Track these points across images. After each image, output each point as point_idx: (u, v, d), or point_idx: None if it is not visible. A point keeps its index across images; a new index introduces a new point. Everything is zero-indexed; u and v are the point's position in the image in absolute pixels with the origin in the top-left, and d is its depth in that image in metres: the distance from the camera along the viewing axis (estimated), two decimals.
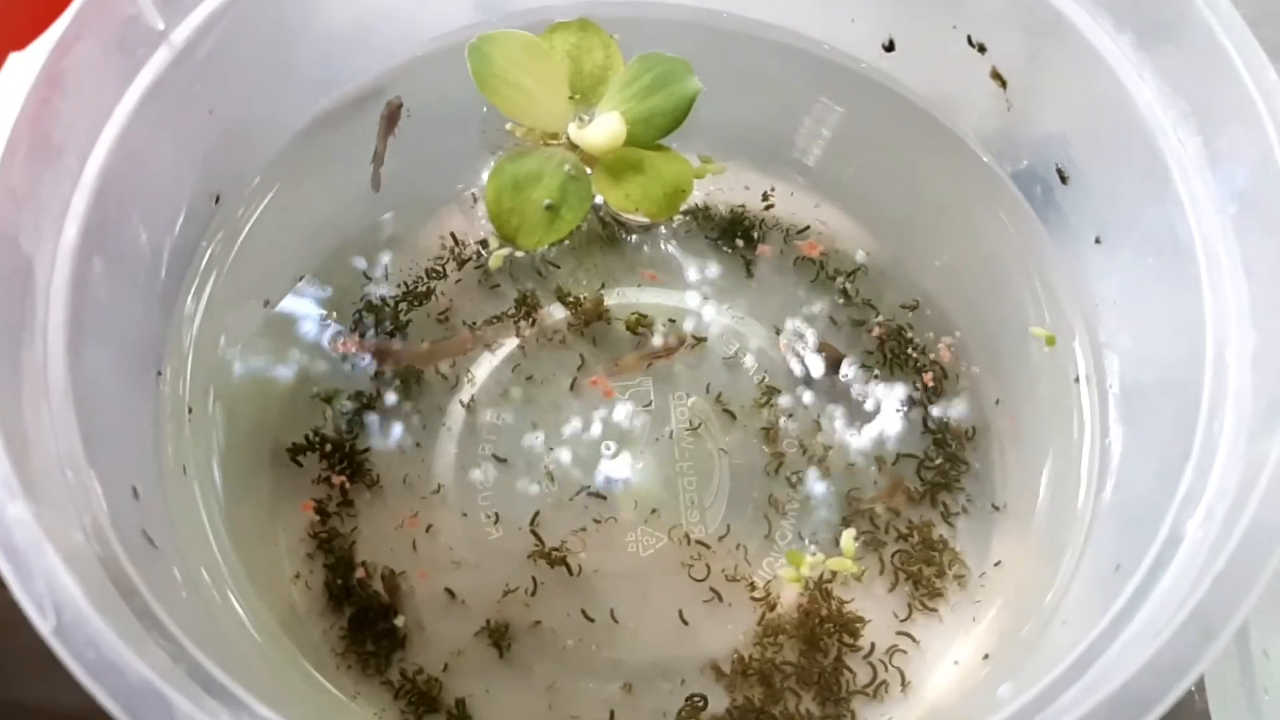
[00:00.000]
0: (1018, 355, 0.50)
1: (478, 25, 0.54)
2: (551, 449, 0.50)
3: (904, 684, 0.46)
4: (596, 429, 0.50)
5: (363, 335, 0.51)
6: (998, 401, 0.50)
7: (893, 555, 0.48)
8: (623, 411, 0.51)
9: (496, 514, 0.49)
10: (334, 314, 0.52)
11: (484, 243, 0.53)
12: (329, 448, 0.50)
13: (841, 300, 0.53)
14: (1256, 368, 0.36)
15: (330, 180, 0.54)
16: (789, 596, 0.47)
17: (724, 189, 0.55)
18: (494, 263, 0.53)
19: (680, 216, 0.54)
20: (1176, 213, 0.40)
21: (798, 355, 0.51)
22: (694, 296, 0.53)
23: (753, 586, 0.48)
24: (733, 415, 0.51)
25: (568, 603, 0.48)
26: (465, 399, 0.51)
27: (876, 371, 0.51)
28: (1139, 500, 0.39)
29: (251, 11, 0.46)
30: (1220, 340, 0.37)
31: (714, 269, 0.53)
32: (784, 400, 0.51)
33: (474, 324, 0.52)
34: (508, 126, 0.53)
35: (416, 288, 0.53)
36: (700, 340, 0.52)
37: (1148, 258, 0.43)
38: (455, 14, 0.54)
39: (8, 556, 0.31)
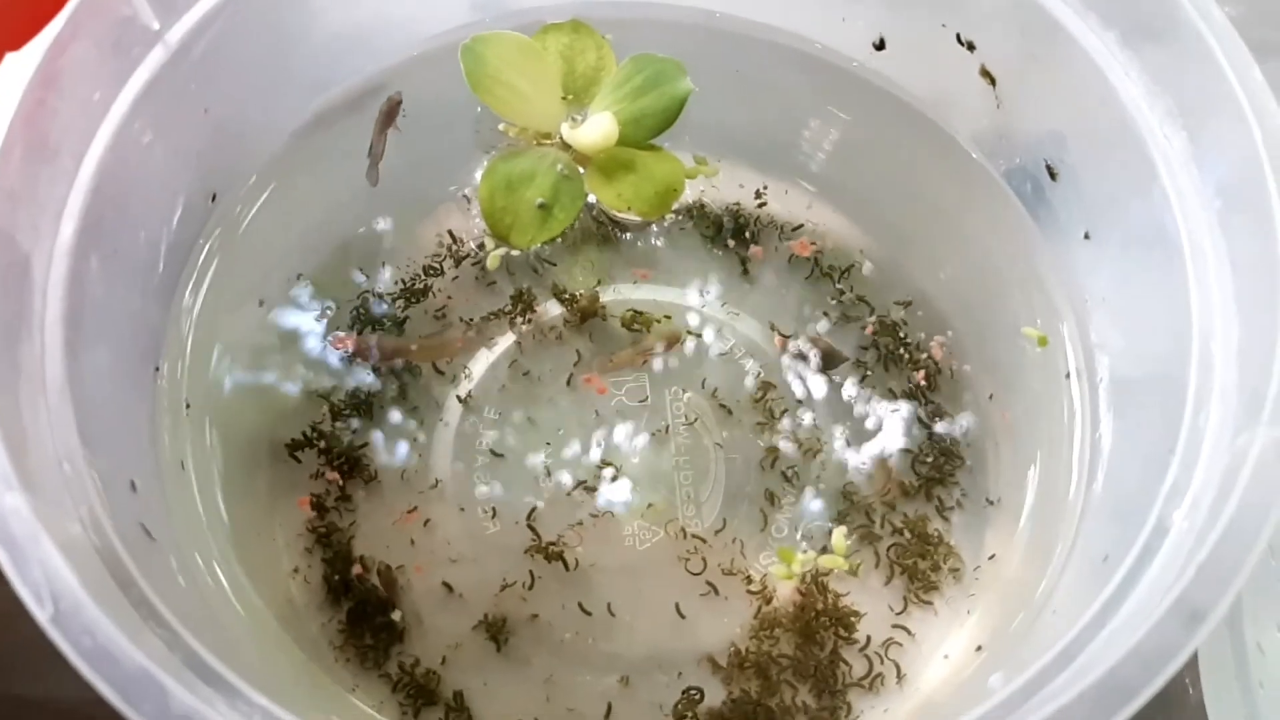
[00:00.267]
0: (1010, 351, 0.50)
1: (473, 25, 0.54)
2: (548, 444, 0.51)
3: (899, 676, 0.46)
4: (592, 424, 0.51)
5: (359, 333, 0.51)
6: (991, 397, 0.51)
7: (888, 549, 0.49)
8: (619, 407, 0.51)
9: (494, 509, 0.49)
10: (331, 312, 0.52)
11: (482, 244, 0.53)
12: (327, 443, 0.49)
13: (836, 298, 0.53)
14: (1241, 360, 0.36)
15: (327, 179, 0.54)
16: (785, 590, 0.47)
17: (719, 188, 0.55)
18: (492, 262, 0.53)
19: (674, 215, 0.54)
20: (1163, 208, 0.40)
21: (792, 352, 0.52)
22: (690, 294, 0.53)
23: (749, 580, 0.48)
24: (729, 411, 0.51)
25: (565, 596, 0.48)
26: (462, 394, 0.51)
27: (871, 368, 0.51)
28: (1128, 492, 0.39)
29: (247, 12, 0.46)
30: (1206, 333, 0.37)
31: (709, 267, 0.54)
32: (779, 396, 0.51)
33: (470, 320, 0.52)
34: (501, 127, 0.53)
35: (414, 285, 0.53)
36: (696, 336, 0.52)
37: (1136, 253, 0.43)
38: (451, 14, 0.54)
39: (5, 546, 0.31)
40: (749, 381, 0.52)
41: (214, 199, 0.51)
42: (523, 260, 0.53)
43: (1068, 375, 0.49)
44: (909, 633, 0.47)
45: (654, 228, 0.54)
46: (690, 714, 0.46)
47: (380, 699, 0.46)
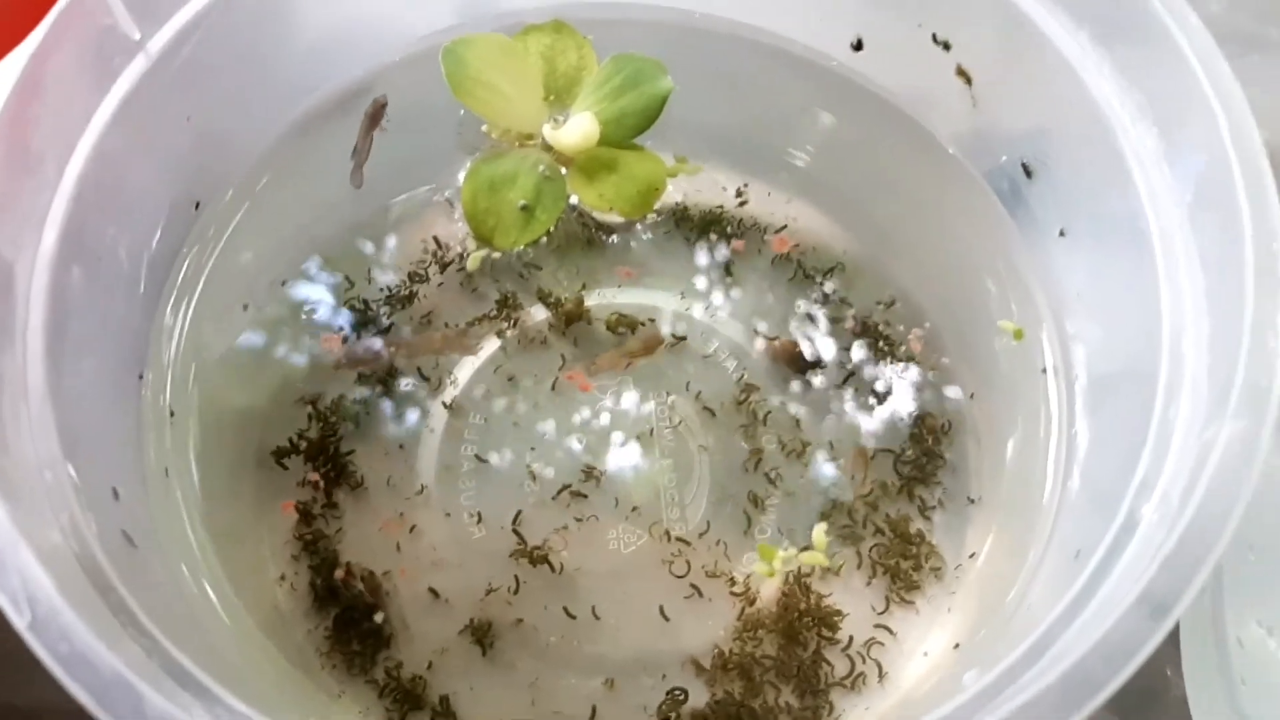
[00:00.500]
0: (991, 349, 0.51)
1: (458, 28, 0.54)
2: (533, 448, 0.51)
3: (881, 675, 0.47)
4: (577, 428, 0.51)
5: (345, 340, 0.52)
6: (972, 396, 0.51)
7: (870, 549, 0.49)
8: (603, 410, 0.51)
9: (479, 514, 0.50)
10: (317, 319, 0.52)
11: (465, 248, 0.54)
12: (313, 450, 0.50)
13: (819, 298, 0.53)
14: (1211, 355, 0.36)
15: (311, 185, 0.54)
16: (768, 591, 0.48)
17: (702, 189, 0.55)
18: (472, 264, 0.54)
19: (656, 216, 0.54)
20: (1135, 204, 0.40)
21: (775, 352, 0.52)
22: (673, 296, 0.54)
23: (733, 582, 0.48)
24: (712, 413, 0.51)
25: (550, 600, 0.48)
26: (448, 400, 0.52)
27: (853, 368, 0.51)
28: (1102, 488, 0.40)
29: (228, 20, 0.46)
30: (1176, 328, 0.38)
31: (693, 268, 0.54)
32: (763, 397, 0.52)
33: (456, 325, 0.52)
34: (484, 128, 0.53)
35: (399, 291, 0.53)
36: (680, 339, 0.52)
37: (1109, 249, 0.44)
38: (436, 17, 0.54)
39: None
40: (732, 383, 0.52)
41: (198, 206, 0.51)
42: (507, 265, 0.54)
43: (1044, 371, 0.49)
44: (891, 632, 0.48)
45: (638, 230, 0.54)
46: (674, 715, 0.46)
47: (367, 704, 0.46)
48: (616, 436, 0.51)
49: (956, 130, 0.52)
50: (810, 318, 0.53)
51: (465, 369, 0.52)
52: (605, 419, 0.51)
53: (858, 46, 0.53)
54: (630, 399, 0.51)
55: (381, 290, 0.53)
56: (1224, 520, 0.31)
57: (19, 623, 0.31)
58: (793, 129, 0.56)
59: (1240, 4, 0.62)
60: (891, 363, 0.52)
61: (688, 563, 0.49)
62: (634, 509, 0.50)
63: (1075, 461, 0.45)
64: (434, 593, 0.48)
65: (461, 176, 0.52)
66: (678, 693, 0.46)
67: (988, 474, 0.49)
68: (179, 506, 0.47)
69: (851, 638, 0.48)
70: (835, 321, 0.53)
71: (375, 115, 0.53)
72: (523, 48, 0.51)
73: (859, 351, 0.52)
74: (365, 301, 0.53)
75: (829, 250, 0.54)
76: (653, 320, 0.53)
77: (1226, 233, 0.36)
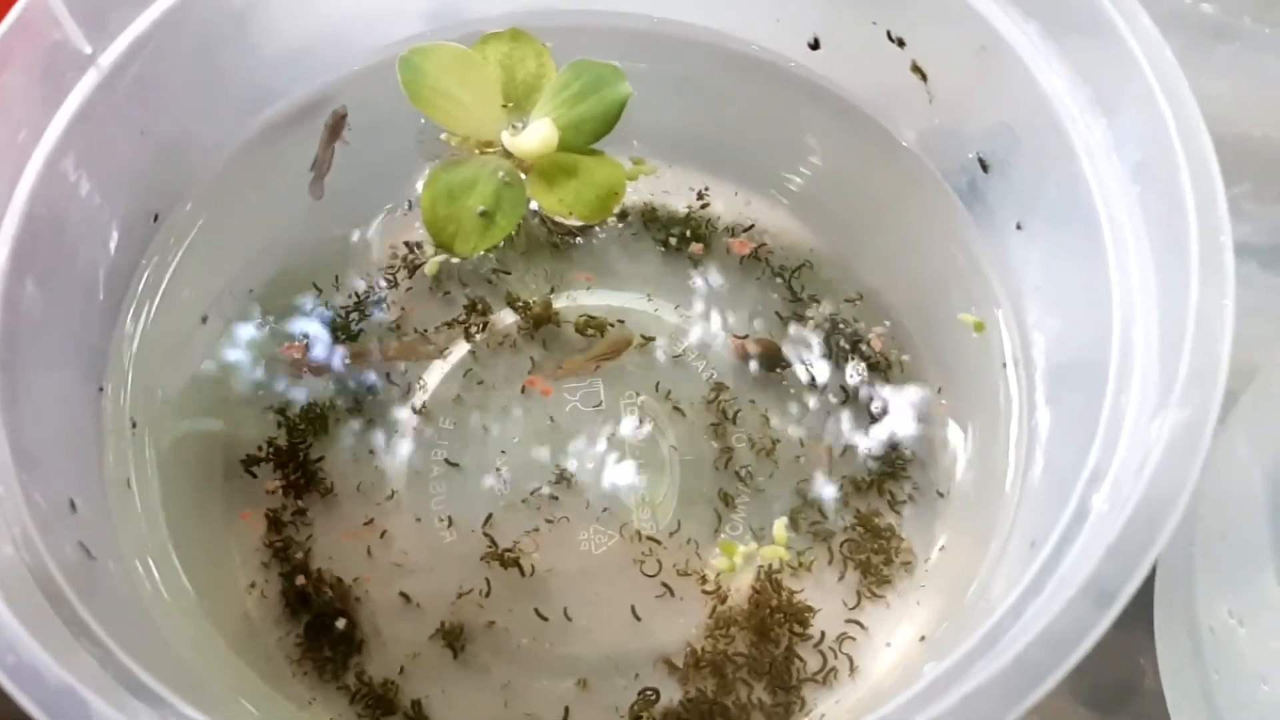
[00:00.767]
0: (955, 344, 0.51)
1: (420, 37, 0.54)
2: (503, 452, 0.51)
3: (852, 669, 0.47)
4: (547, 431, 0.51)
5: (309, 348, 0.52)
6: (939, 390, 0.51)
7: (841, 545, 0.49)
8: (574, 413, 0.51)
9: (450, 518, 0.50)
10: (283, 327, 0.52)
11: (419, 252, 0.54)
12: (282, 458, 0.50)
13: (787, 297, 0.53)
14: (1161, 344, 0.36)
15: (273, 195, 0.54)
16: (740, 589, 0.48)
17: (670, 191, 0.55)
18: (430, 269, 0.54)
19: (624, 220, 0.55)
20: (1086, 196, 0.40)
21: (743, 352, 0.52)
22: (641, 297, 0.54)
23: (704, 580, 0.48)
24: (682, 413, 0.51)
25: (521, 602, 0.49)
26: (417, 405, 0.52)
27: (821, 365, 0.52)
28: (1058, 478, 0.40)
29: (180, 32, 0.46)
30: (1127, 318, 0.38)
31: (661, 270, 0.54)
32: (731, 396, 0.52)
33: (421, 331, 0.52)
34: (443, 136, 0.53)
35: (367, 298, 0.53)
36: (649, 340, 0.52)
37: (1063, 241, 0.44)
38: (398, 28, 0.55)
39: None
40: (702, 383, 0.52)
41: (156, 218, 0.51)
42: (476, 270, 0.54)
43: (1004, 365, 0.49)
44: (862, 626, 0.48)
45: (604, 233, 0.55)
46: (646, 714, 0.46)
47: (338, 710, 0.46)
48: (587, 438, 0.51)
49: (914, 126, 0.52)
50: (778, 316, 0.53)
51: (434, 374, 0.52)
52: (575, 421, 0.51)
53: (815, 46, 0.53)
54: (601, 401, 0.51)
55: (350, 297, 0.53)
56: (1169, 508, 0.31)
57: None
58: (754, 131, 0.56)
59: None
60: (859, 360, 0.51)
61: (659, 562, 0.49)
62: (604, 510, 0.50)
63: (1036, 452, 0.45)
64: (405, 597, 0.48)
65: (421, 185, 0.52)
66: (650, 692, 0.47)
67: (955, 467, 0.49)
68: (143, 517, 0.48)
69: (823, 633, 0.48)
70: (803, 319, 0.53)
71: (335, 127, 0.53)
72: (481, 57, 0.51)
73: (827, 349, 0.52)
74: (332, 308, 0.53)
75: (796, 249, 0.54)
76: (621, 322, 0.52)
77: (1173, 222, 0.36)
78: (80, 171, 0.44)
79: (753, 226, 0.55)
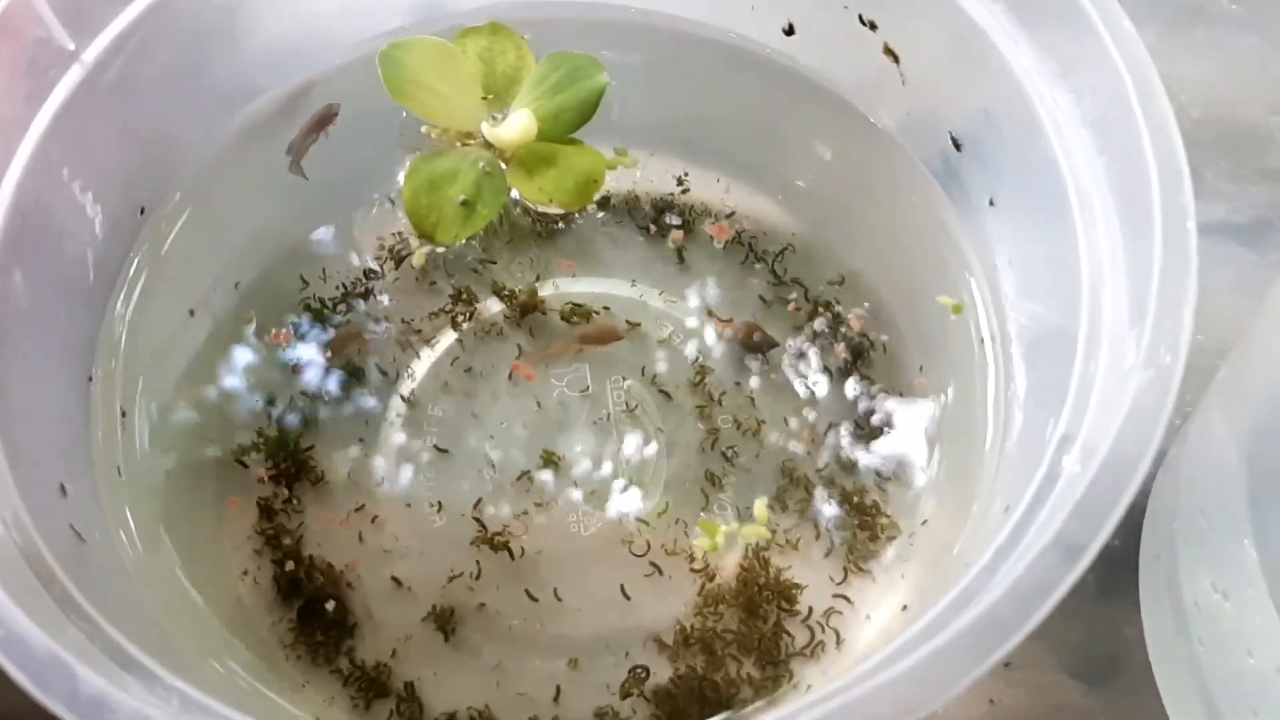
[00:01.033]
0: (934, 322, 0.51)
1: (402, 31, 0.55)
2: (491, 437, 0.52)
3: (839, 641, 0.47)
4: (535, 416, 0.52)
5: (296, 336, 0.52)
6: (921, 369, 0.51)
7: (827, 522, 0.49)
8: (561, 398, 0.52)
9: (439, 503, 0.50)
10: (270, 320, 0.53)
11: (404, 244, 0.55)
12: (272, 447, 0.50)
13: (770, 280, 0.54)
14: (1127, 311, 0.37)
15: (258, 189, 0.55)
16: (728, 567, 0.48)
17: (652, 179, 0.56)
18: (417, 260, 0.54)
19: (607, 208, 0.55)
20: (1054, 169, 0.41)
21: (728, 335, 0.53)
22: (626, 284, 0.54)
23: (692, 559, 0.49)
24: (668, 396, 0.52)
25: (512, 584, 0.49)
26: (405, 393, 0.52)
27: (805, 347, 0.52)
28: (1033, 446, 0.40)
29: (163, 28, 0.47)
30: (1095, 286, 0.38)
31: (645, 257, 0.55)
32: (717, 379, 0.52)
33: (410, 321, 0.53)
34: (424, 129, 0.54)
35: (354, 289, 0.54)
36: (634, 325, 0.53)
37: (1034, 214, 0.44)
38: (382, 22, 0.55)
39: None
40: (687, 366, 0.52)
41: (142, 212, 0.52)
42: (462, 260, 0.54)
43: (982, 341, 0.49)
44: (849, 601, 0.48)
45: (588, 222, 0.55)
46: (637, 691, 0.47)
47: (332, 694, 0.47)
48: (574, 423, 0.52)
49: (889, 109, 0.53)
50: (761, 299, 0.53)
51: (423, 362, 0.53)
52: (562, 406, 0.52)
53: (789, 31, 0.54)
54: (587, 385, 0.52)
55: (337, 289, 0.54)
56: (1136, 463, 0.32)
57: None
58: (734, 118, 0.57)
59: None
60: (841, 341, 0.52)
61: (647, 542, 0.49)
62: (592, 492, 0.50)
63: (1013, 424, 0.46)
64: (396, 581, 0.49)
65: (403, 176, 0.52)
66: (640, 670, 0.47)
67: (936, 443, 0.50)
68: (134, 504, 0.48)
69: (811, 608, 0.48)
70: (786, 302, 0.53)
71: (324, 119, 0.54)
72: (460, 50, 0.52)
73: (810, 330, 0.53)
74: (321, 300, 0.53)
75: (778, 234, 0.55)
76: (607, 309, 0.53)
77: (1137, 189, 0.37)
78: (65, 166, 0.45)
79: (734, 213, 0.55)
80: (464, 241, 0.54)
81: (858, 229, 0.55)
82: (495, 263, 0.55)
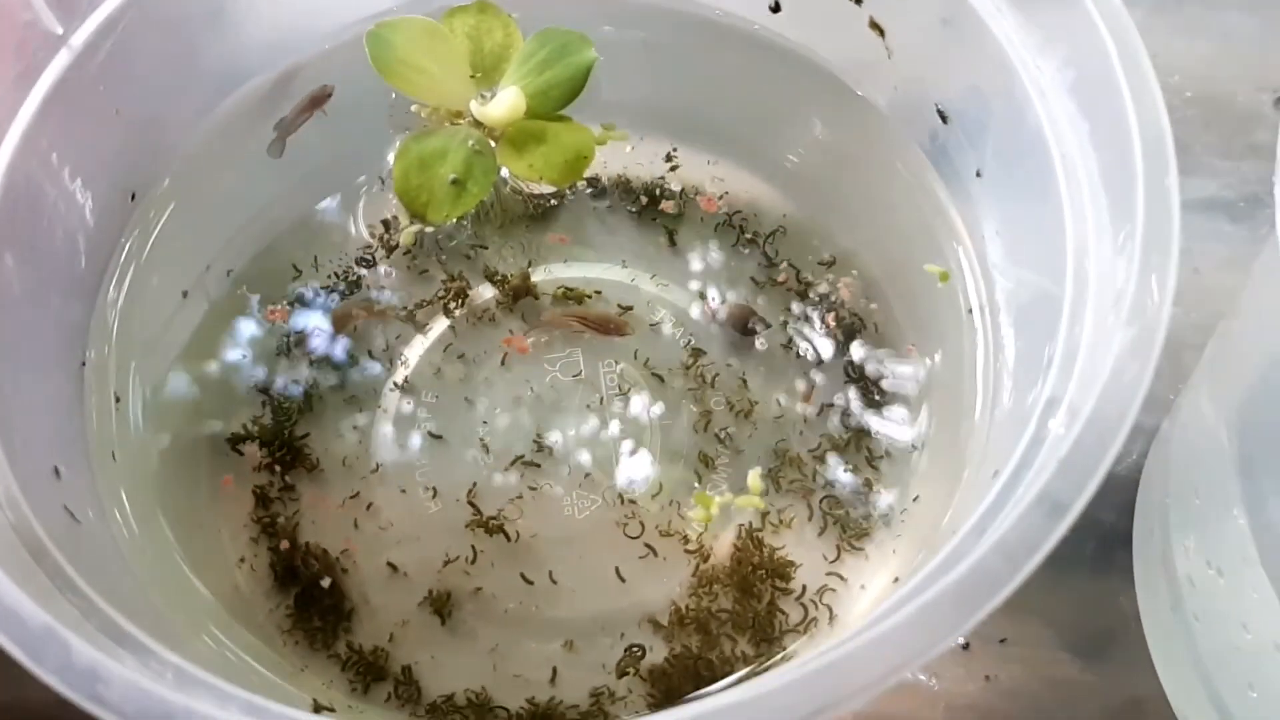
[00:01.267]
0: (925, 296, 0.52)
1: (392, 13, 0.55)
2: (485, 422, 0.52)
3: (832, 618, 0.47)
4: (528, 401, 0.52)
5: (291, 313, 0.53)
6: (913, 345, 0.51)
7: (821, 501, 0.49)
8: (553, 383, 0.52)
9: (434, 488, 0.51)
10: (263, 305, 0.53)
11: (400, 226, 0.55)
12: (267, 435, 0.51)
13: (761, 262, 0.54)
14: (1111, 274, 0.37)
15: (249, 173, 0.55)
16: (722, 547, 0.48)
17: (643, 162, 0.56)
18: (405, 239, 0.55)
19: (591, 192, 0.56)
20: (1039, 137, 0.41)
21: (720, 317, 0.53)
22: (617, 267, 0.54)
23: (686, 540, 0.49)
24: (661, 379, 0.52)
25: (507, 568, 0.49)
26: (399, 380, 0.52)
27: (797, 327, 0.52)
28: (1020, 412, 0.40)
29: (151, 12, 0.47)
30: (1080, 250, 0.39)
31: (637, 240, 0.55)
32: (709, 360, 0.52)
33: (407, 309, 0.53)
34: (413, 108, 0.54)
35: (347, 276, 0.54)
36: (626, 309, 0.53)
37: (1021, 183, 0.44)
38: (370, 4, 0.55)
39: None
40: (679, 349, 0.53)
41: (133, 197, 0.52)
42: (454, 246, 0.55)
43: (971, 311, 0.49)
44: (842, 578, 0.48)
45: (579, 205, 0.55)
46: (633, 671, 0.47)
47: (330, 678, 0.47)
48: (567, 406, 0.52)
49: (875, 82, 0.53)
50: (753, 281, 0.54)
51: (416, 349, 0.53)
52: (555, 390, 0.52)
53: (775, 8, 0.54)
54: (580, 370, 0.52)
55: (330, 276, 0.54)
56: (1119, 422, 0.32)
57: None
58: (723, 97, 0.57)
59: None
60: (835, 319, 0.52)
61: (641, 524, 0.49)
62: (586, 475, 0.50)
63: (1002, 393, 0.46)
64: (392, 566, 0.49)
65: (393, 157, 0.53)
66: (636, 649, 0.47)
67: (928, 418, 0.50)
68: (129, 488, 0.48)
69: (805, 586, 0.48)
70: (778, 283, 0.53)
71: (317, 99, 0.54)
72: (448, 29, 0.52)
73: (803, 311, 0.53)
74: (314, 288, 0.53)
75: (769, 213, 0.55)
76: (599, 293, 0.54)
77: (1120, 151, 0.37)
78: (55, 150, 0.45)
79: (725, 194, 0.55)
80: (455, 222, 0.54)
81: (847, 205, 0.55)
82: (487, 248, 0.55)
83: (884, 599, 0.44)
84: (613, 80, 0.53)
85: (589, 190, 0.56)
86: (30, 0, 0.42)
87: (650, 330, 0.53)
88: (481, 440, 0.51)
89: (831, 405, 0.51)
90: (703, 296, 0.54)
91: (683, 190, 0.56)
